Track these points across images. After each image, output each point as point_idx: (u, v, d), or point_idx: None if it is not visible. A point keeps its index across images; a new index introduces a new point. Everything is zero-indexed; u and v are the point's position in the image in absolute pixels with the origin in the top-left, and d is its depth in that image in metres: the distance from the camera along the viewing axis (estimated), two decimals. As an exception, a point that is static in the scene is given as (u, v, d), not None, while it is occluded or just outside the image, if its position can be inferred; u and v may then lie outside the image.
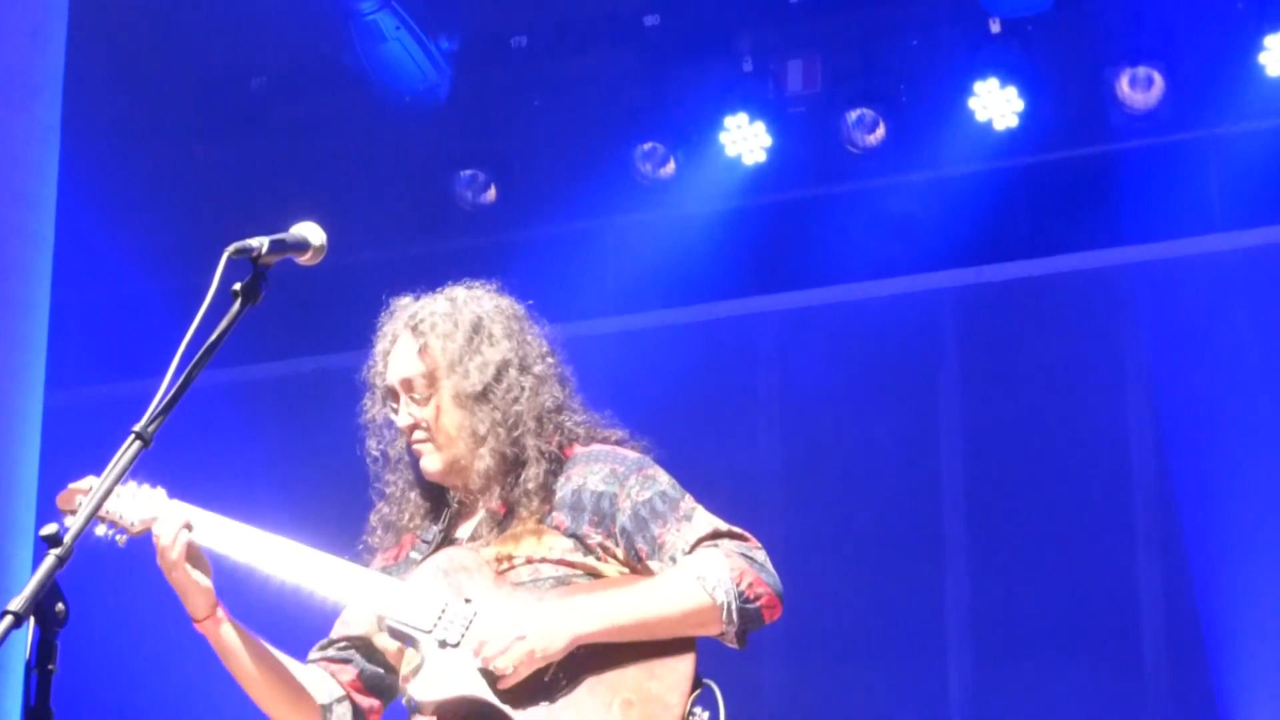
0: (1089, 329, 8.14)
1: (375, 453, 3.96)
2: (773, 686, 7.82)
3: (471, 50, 8.61)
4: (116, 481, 2.90)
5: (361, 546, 3.96)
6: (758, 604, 3.72)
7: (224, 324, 3.03)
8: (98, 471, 2.93)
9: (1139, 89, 7.98)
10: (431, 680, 3.67)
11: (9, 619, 2.68)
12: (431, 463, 3.86)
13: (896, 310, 8.34)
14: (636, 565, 3.79)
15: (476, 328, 3.89)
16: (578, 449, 3.89)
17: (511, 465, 3.82)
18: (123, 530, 3.79)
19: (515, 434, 3.82)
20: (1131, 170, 8.12)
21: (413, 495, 3.94)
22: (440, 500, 3.94)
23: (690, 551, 3.74)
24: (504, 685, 3.62)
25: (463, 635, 3.67)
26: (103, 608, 7.72)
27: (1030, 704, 7.80)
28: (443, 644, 3.67)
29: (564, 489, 3.82)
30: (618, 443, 3.92)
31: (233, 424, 8.33)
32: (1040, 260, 8.27)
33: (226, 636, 3.84)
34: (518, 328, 3.93)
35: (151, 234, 8.68)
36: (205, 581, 3.79)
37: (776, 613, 3.75)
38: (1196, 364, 7.87)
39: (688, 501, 3.82)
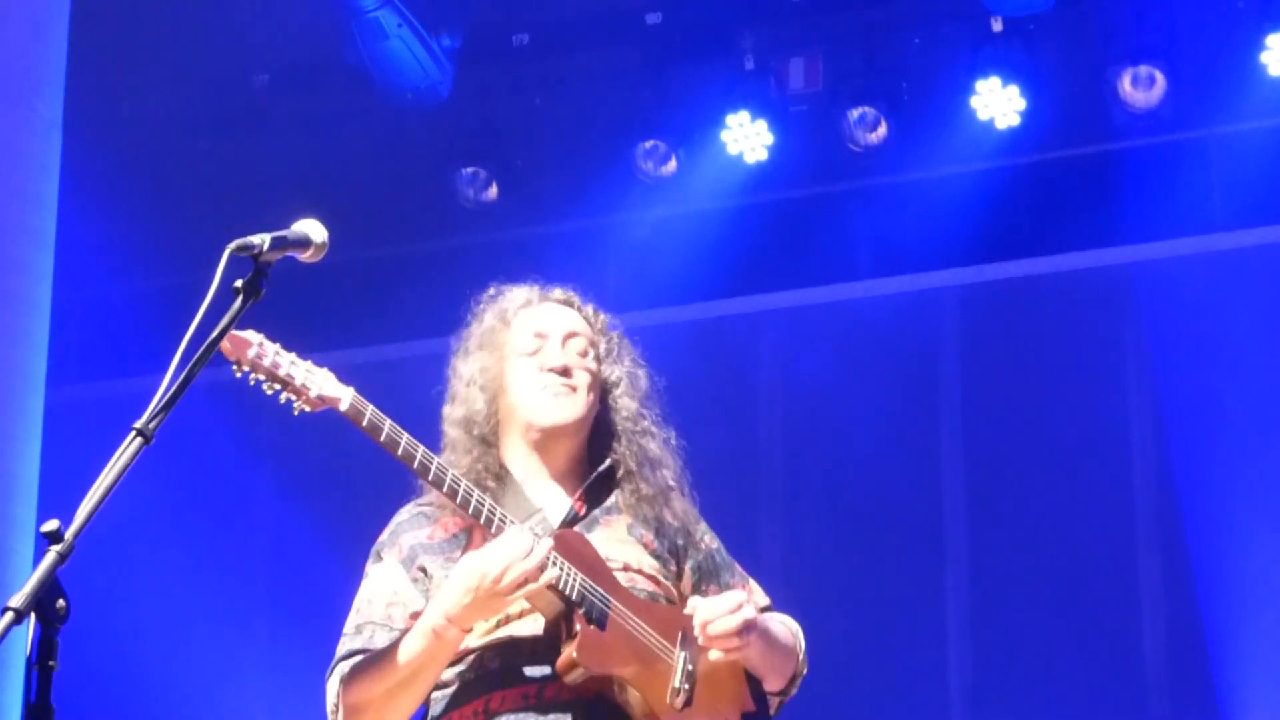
0: (1090, 328, 8.14)
1: (475, 408, 3.81)
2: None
3: (473, 48, 8.61)
4: (116, 481, 2.88)
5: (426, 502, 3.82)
6: (798, 682, 3.86)
7: (225, 321, 3.02)
8: (99, 467, 2.90)
9: (1140, 88, 7.98)
10: (597, 652, 3.57)
11: (10, 615, 2.67)
12: (571, 408, 3.78)
13: (898, 309, 8.34)
14: None
15: (617, 333, 3.97)
16: None
17: (634, 482, 3.82)
18: (300, 396, 3.54)
19: (634, 443, 3.84)
20: (1133, 169, 8.12)
21: (493, 473, 3.79)
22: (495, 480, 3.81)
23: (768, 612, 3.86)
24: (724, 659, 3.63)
25: (606, 614, 3.59)
26: (104, 604, 7.73)
27: (1030, 702, 7.80)
28: (590, 619, 3.59)
29: (641, 510, 3.81)
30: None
31: (234, 421, 8.32)
32: (1041, 259, 8.27)
33: (454, 647, 3.60)
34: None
35: (153, 231, 8.68)
36: None
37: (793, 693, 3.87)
38: (1198, 363, 7.86)
39: (738, 566, 3.95)
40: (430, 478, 3.58)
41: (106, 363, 8.63)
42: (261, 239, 3.12)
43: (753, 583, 3.92)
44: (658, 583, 3.74)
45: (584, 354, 3.85)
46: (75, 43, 6.84)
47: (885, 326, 8.30)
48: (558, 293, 3.96)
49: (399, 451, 3.56)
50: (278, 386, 3.53)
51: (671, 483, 3.88)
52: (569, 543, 3.65)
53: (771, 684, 3.80)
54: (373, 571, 3.79)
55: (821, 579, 7.88)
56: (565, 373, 3.79)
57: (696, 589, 3.80)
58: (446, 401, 3.89)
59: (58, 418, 6.79)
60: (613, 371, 3.90)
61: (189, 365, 2.95)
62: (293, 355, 3.56)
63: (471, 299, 3.98)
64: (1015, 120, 8.11)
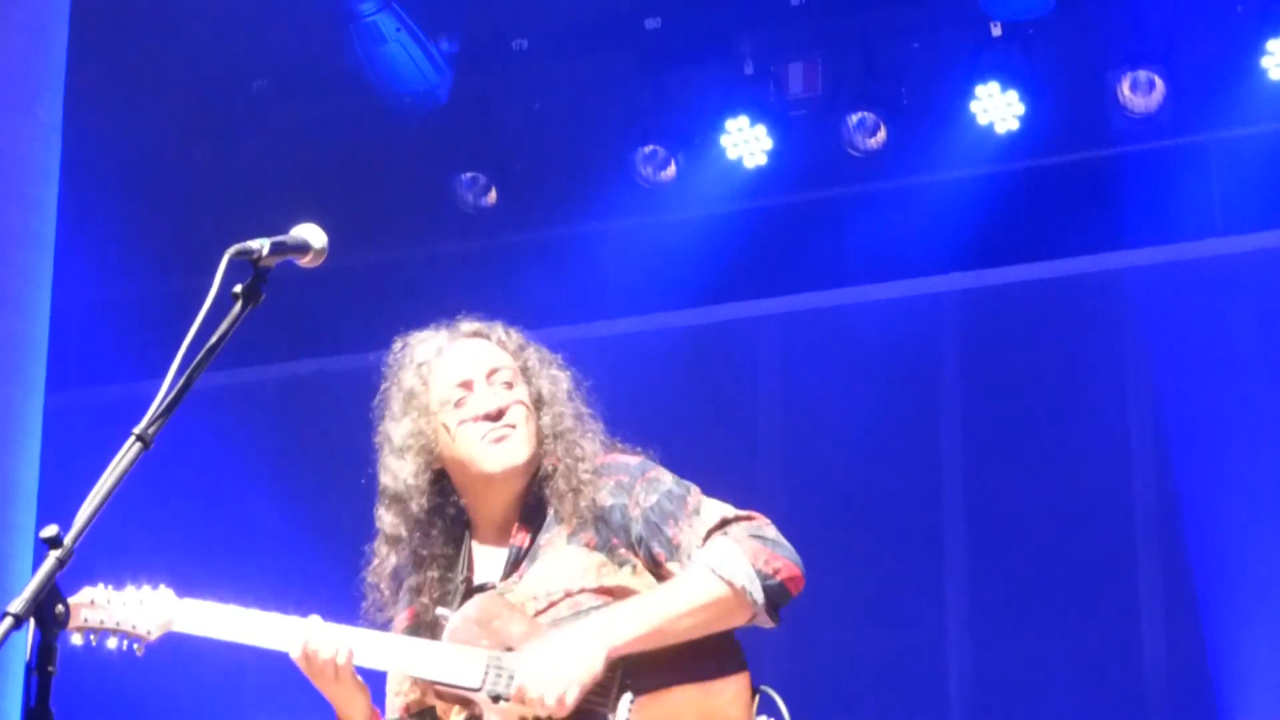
0: (1090, 333, 8.14)
1: (407, 481, 3.82)
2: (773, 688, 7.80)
3: (472, 52, 8.61)
4: (116, 486, 2.88)
5: (370, 604, 3.86)
6: (778, 578, 3.71)
7: (225, 326, 3.02)
8: (98, 472, 2.91)
9: (1140, 92, 7.98)
10: None
11: (9, 620, 2.68)
12: (516, 450, 3.79)
13: (898, 313, 8.34)
14: (659, 572, 3.76)
15: (531, 345, 3.93)
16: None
17: (563, 485, 3.80)
18: (138, 639, 3.72)
19: (572, 448, 3.82)
20: (1132, 174, 8.12)
21: (437, 549, 3.85)
22: (451, 546, 3.87)
23: (703, 545, 3.73)
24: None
25: (511, 686, 3.62)
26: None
27: (1030, 704, 7.80)
28: (495, 698, 3.63)
29: (576, 512, 3.78)
30: (615, 450, 3.90)
31: (233, 426, 8.32)
32: (1041, 264, 8.27)
33: None
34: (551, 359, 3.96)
35: (152, 236, 8.68)
36: (363, 688, 3.71)
37: (800, 583, 3.76)
38: (1197, 368, 7.87)
39: (694, 495, 3.81)
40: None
41: (106, 367, 8.62)
42: (261, 244, 3.12)
43: (705, 506, 3.78)
44: (608, 590, 3.72)
45: (510, 384, 3.83)
46: (75, 48, 6.85)
47: (884, 331, 8.30)
48: (466, 326, 3.92)
49: (235, 640, 3.72)
50: (119, 634, 3.71)
51: (598, 465, 3.83)
52: (471, 621, 3.69)
53: (739, 619, 3.73)
54: None
55: (821, 583, 7.84)
56: (498, 415, 3.79)
57: (649, 557, 3.75)
58: (380, 469, 3.88)
59: (57, 422, 6.79)
60: (539, 386, 3.86)
61: (188, 370, 2.95)
62: (128, 592, 3.73)
63: (388, 355, 3.93)
64: (1015, 125, 8.11)
